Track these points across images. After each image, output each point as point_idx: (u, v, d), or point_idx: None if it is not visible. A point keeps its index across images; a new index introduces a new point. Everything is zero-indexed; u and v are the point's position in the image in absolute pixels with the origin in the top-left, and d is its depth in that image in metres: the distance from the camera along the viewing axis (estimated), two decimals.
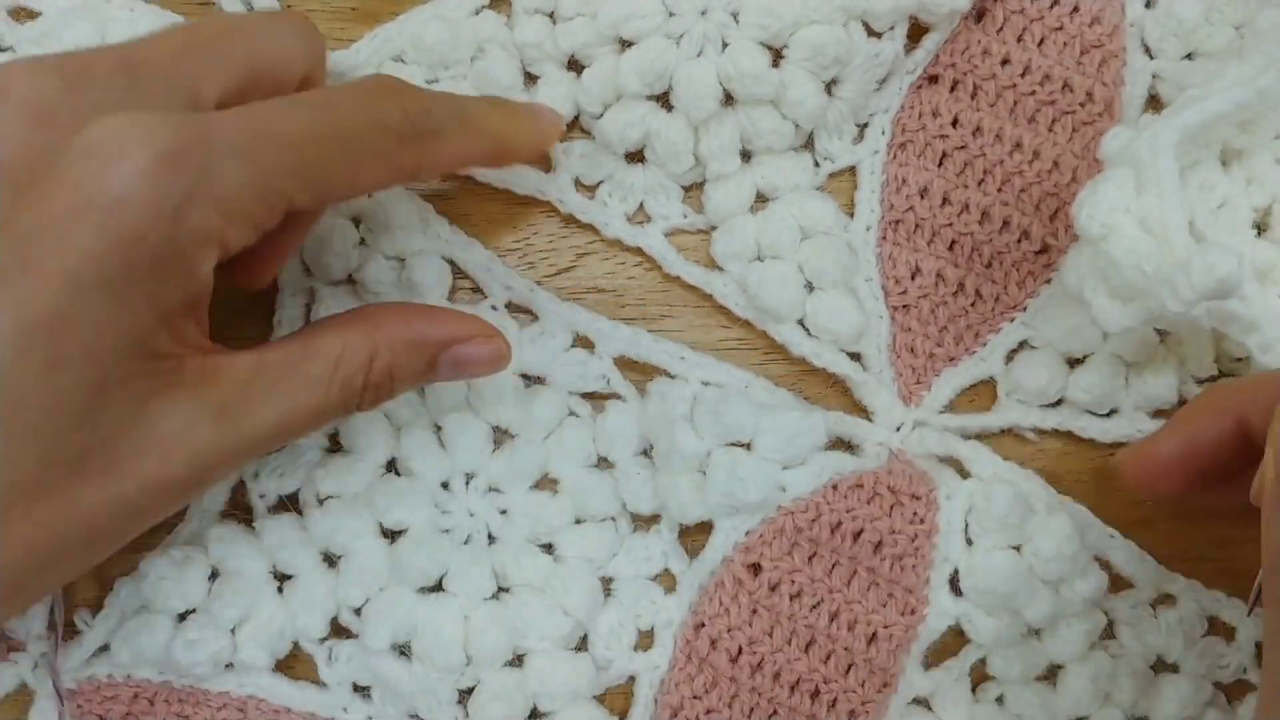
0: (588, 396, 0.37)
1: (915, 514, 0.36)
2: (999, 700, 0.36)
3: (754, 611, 0.36)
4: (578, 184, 0.38)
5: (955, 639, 0.36)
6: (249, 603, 0.35)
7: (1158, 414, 0.37)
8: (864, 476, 0.36)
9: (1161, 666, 0.36)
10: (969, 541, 0.36)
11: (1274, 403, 0.29)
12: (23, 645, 0.34)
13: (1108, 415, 0.37)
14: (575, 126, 0.38)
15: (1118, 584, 0.36)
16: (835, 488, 0.36)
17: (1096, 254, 0.31)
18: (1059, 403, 0.37)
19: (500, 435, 0.37)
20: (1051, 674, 0.36)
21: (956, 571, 0.36)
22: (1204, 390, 0.36)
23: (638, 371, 0.37)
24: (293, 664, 0.36)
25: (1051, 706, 0.36)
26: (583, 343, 0.37)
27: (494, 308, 0.37)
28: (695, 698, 0.36)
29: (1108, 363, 0.36)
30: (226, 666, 0.35)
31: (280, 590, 0.36)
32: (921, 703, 0.36)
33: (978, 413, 0.37)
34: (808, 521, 0.35)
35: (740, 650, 0.35)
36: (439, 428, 0.36)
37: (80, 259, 0.25)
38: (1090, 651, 0.36)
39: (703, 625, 0.36)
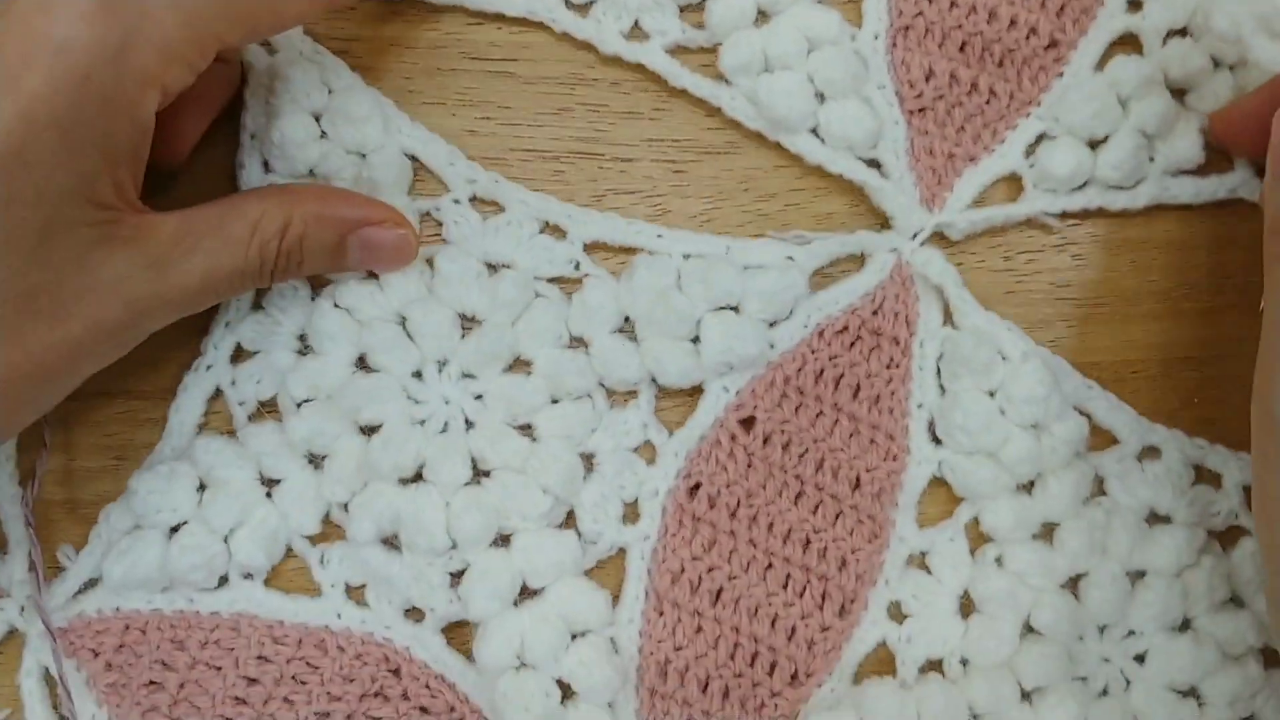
0: (555, 281, 0.37)
1: (891, 358, 0.36)
2: (998, 561, 0.36)
3: (749, 465, 0.36)
4: (568, 3, 0.37)
5: (948, 501, 0.37)
6: (241, 508, 0.35)
7: (1181, 173, 0.37)
8: (849, 318, 0.36)
9: (1154, 519, 0.37)
10: (942, 389, 0.37)
11: None
12: (6, 591, 0.34)
13: (1134, 186, 0.37)
14: None
15: (1103, 440, 0.37)
16: (821, 334, 0.36)
17: None
18: (1084, 186, 0.37)
19: (467, 323, 0.36)
20: (1048, 532, 0.36)
21: (933, 420, 0.37)
22: None
23: (609, 254, 0.37)
24: (283, 576, 0.36)
25: (1050, 564, 0.36)
26: (553, 230, 0.37)
27: (456, 200, 0.36)
28: (695, 558, 0.35)
29: (1130, 136, 0.37)
30: (220, 580, 0.35)
31: (269, 495, 0.35)
32: (921, 564, 0.36)
33: (1003, 204, 0.37)
34: (795, 370, 0.36)
35: (739, 504, 0.36)
36: (404, 319, 0.36)
37: (31, 99, 0.27)
38: (1083, 508, 0.36)
39: (698, 486, 0.36)
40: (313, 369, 0.35)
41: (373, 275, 0.35)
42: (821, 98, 0.36)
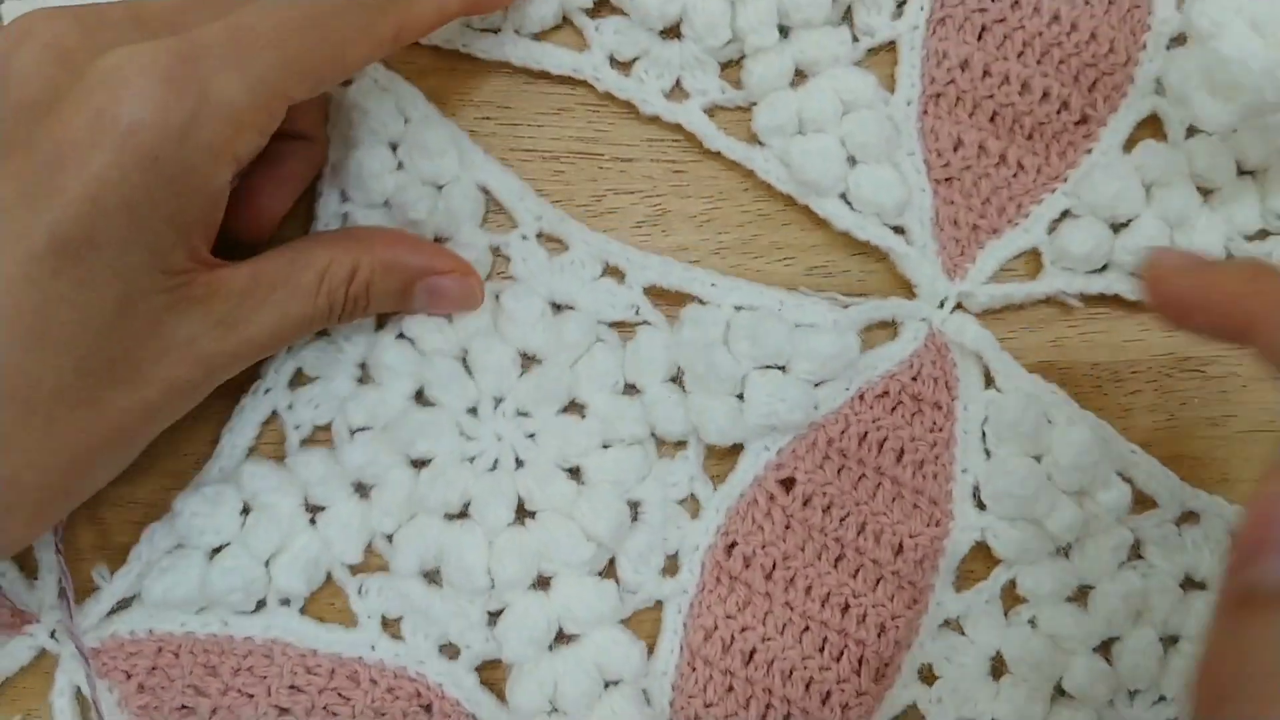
0: (616, 325, 0.37)
1: (935, 423, 0.36)
2: (1031, 623, 0.36)
3: (787, 527, 0.36)
4: (612, 61, 0.37)
5: (985, 563, 0.37)
6: (283, 534, 0.35)
7: None
8: (889, 383, 0.36)
9: (1190, 584, 0.36)
10: (987, 453, 0.37)
11: None
12: (36, 617, 0.35)
13: None
14: (606, 4, 0.37)
15: (1142, 503, 0.37)
16: (861, 397, 0.36)
17: (1205, 52, 0.32)
18: (1104, 269, 0.37)
19: (527, 361, 0.36)
20: (1083, 595, 0.36)
21: (978, 486, 0.36)
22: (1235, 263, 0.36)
23: (668, 301, 0.37)
24: (319, 604, 0.36)
25: (1084, 627, 0.35)
26: (613, 273, 0.37)
27: (524, 236, 0.37)
28: (729, 617, 0.35)
29: (1152, 224, 0.37)
30: (258, 605, 0.35)
31: (313, 522, 0.36)
32: (954, 626, 0.36)
33: (1022, 280, 0.37)
34: (838, 433, 0.36)
35: (774, 566, 0.36)
36: (465, 353, 0.36)
37: (101, 183, 0.27)
38: (1119, 571, 0.36)
39: (735, 545, 0.36)
40: (372, 399, 0.35)
41: None
42: (852, 161, 0.37)
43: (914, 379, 0.36)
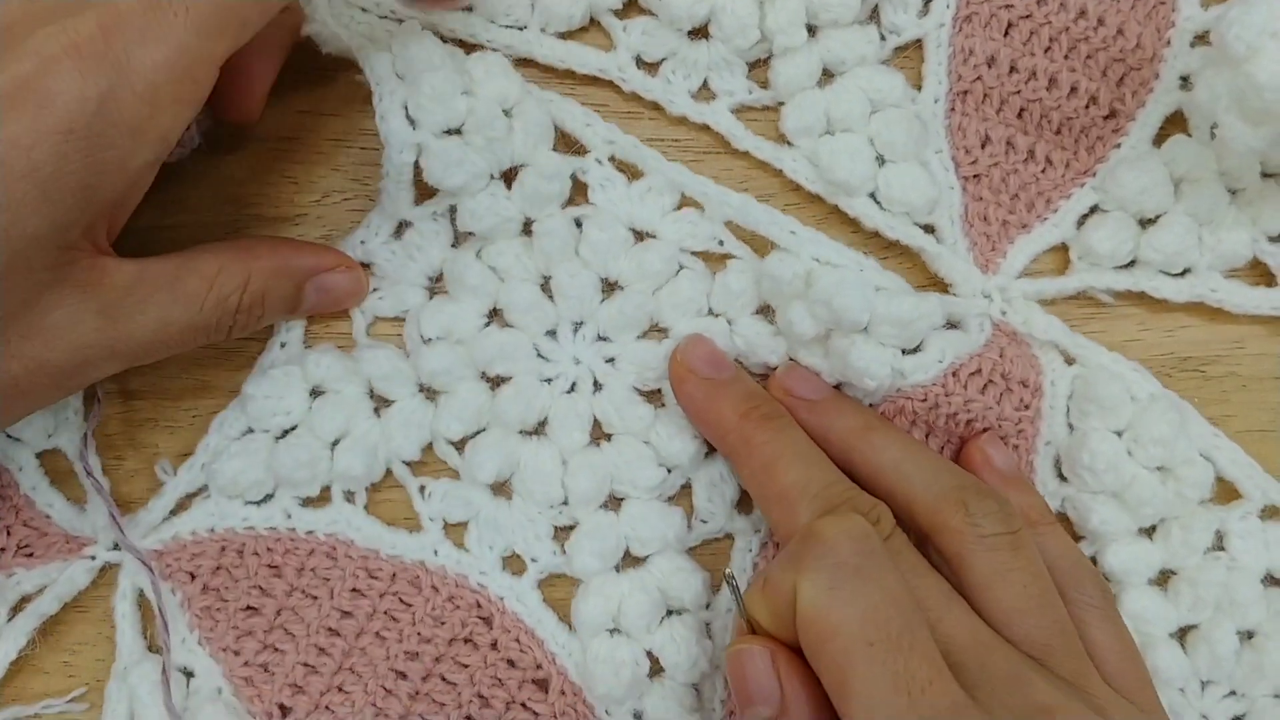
0: (699, 254, 0.37)
1: (1022, 400, 0.36)
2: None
3: None
4: (639, 62, 0.37)
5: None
6: (347, 418, 0.36)
7: (1231, 273, 0.37)
8: (980, 361, 0.35)
9: (1271, 581, 0.36)
10: (1070, 427, 0.37)
11: None
12: (93, 540, 0.35)
13: (1181, 275, 0.37)
14: (633, 4, 0.37)
15: (1227, 494, 0.37)
16: (955, 374, 0.35)
17: (1237, 74, 0.31)
18: (1132, 264, 0.37)
19: (609, 287, 0.37)
20: (1164, 579, 0.36)
21: (1059, 458, 0.37)
22: None
23: (745, 241, 0.37)
24: (382, 505, 0.37)
25: (1162, 612, 0.36)
26: (691, 204, 0.37)
27: (599, 160, 0.37)
28: None
29: (1180, 221, 0.36)
30: (321, 494, 0.36)
31: (377, 413, 0.36)
32: None
33: (1053, 277, 0.37)
34: (925, 409, 0.35)
35: None
36: (546, 279, 0.36)
37: (11, 148, 0.27)
38: (1203, 559, 0.36)
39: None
40: (448, 313, 0.36)
41: (526, 230, 0.36)
42: (881, 160, 0.37)
43: (1001, 357, 0.36)
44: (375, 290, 0.36)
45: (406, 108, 0.34)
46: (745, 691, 0.29)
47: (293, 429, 0.36)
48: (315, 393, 0.36)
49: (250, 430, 0.36)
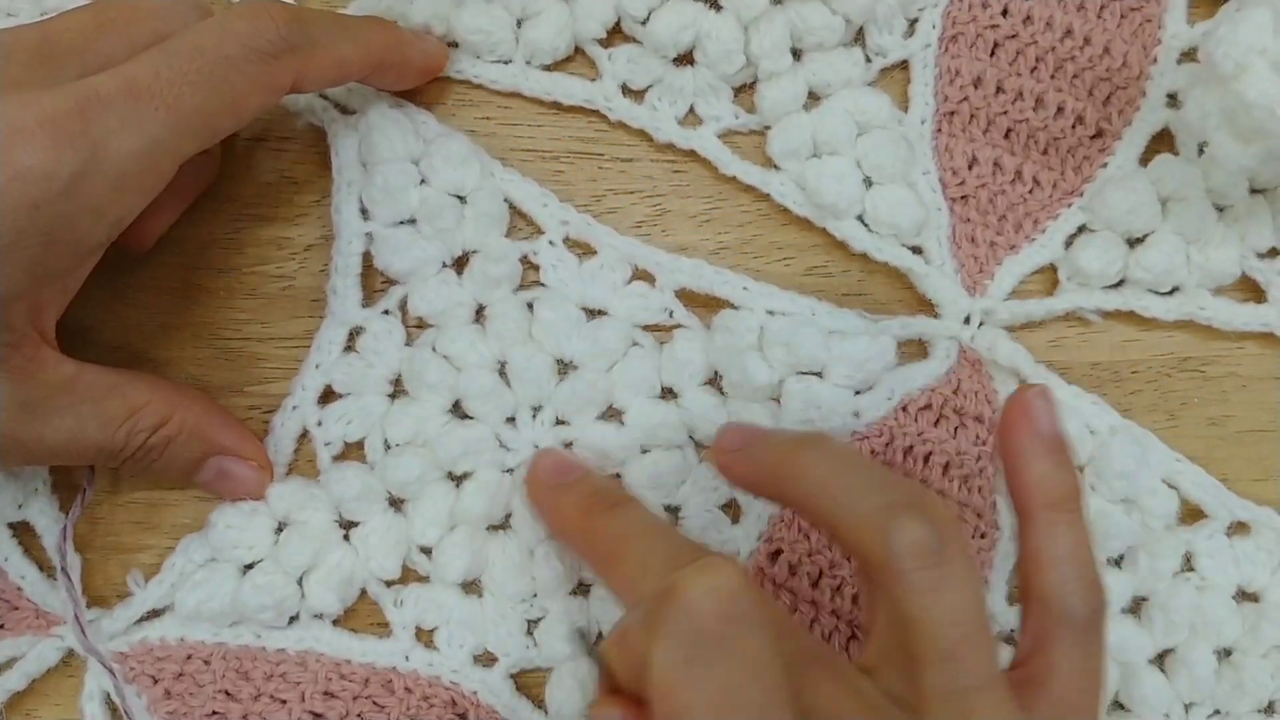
0: (650, 329, 0.37)
1: (978, 436, 0.36)
2: None
3: None
4: (625, 89, 0.37)
5: None
6: (316, 550, 0.35)
7: (1220, 291, 0.37)
8: (931, 396, 0.36)
9: (1243, 596, 0.37)
10: None
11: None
12: (61, 619, 0.35)
13: (1170, 294, 0.37)
14: (617, 33, 0.37)
15: (1192, 515, 0.37)
16: (905, 409, 0.36)
17: (1226, 93, 0.31)
18: (1120, 284, 0.37)
19: (563, 369, 0.36)
20: (1137, 607, 0.36)
21: None
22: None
23: (699, 304, 0.37)
24: (352, 616, 0.36)
25: (1138, 640, 0.36)
26: (643, 276, 0.37)
27: (551, 242, 0.37)
28: None
29: (1168, 240, 0.36)
30: (290, 620, 0.35)
31: (346, 538, 0.36)
32: (1010, 641, 0.36)
33: (1041, 297, 0.37)
34: (882, 445, 0.35)
35: (820, 574, 0.35)
36: (502, 365, 0.36)
37: None
38: (1173, 582, 0.36)
39: (780, 552, 0.36)
40: (413, 414, 0.35)
41: (479, 317, 0.36)
42: (869, 182, 0.37)
43: (955, 392, 0.36)
44: (342, 416, 0.36)
45: (361, 198, 0.35)
46: None
47: (258, 562, 0.35)
48: (281, 526, 0.36)
49: (214, 559, 0.35)
